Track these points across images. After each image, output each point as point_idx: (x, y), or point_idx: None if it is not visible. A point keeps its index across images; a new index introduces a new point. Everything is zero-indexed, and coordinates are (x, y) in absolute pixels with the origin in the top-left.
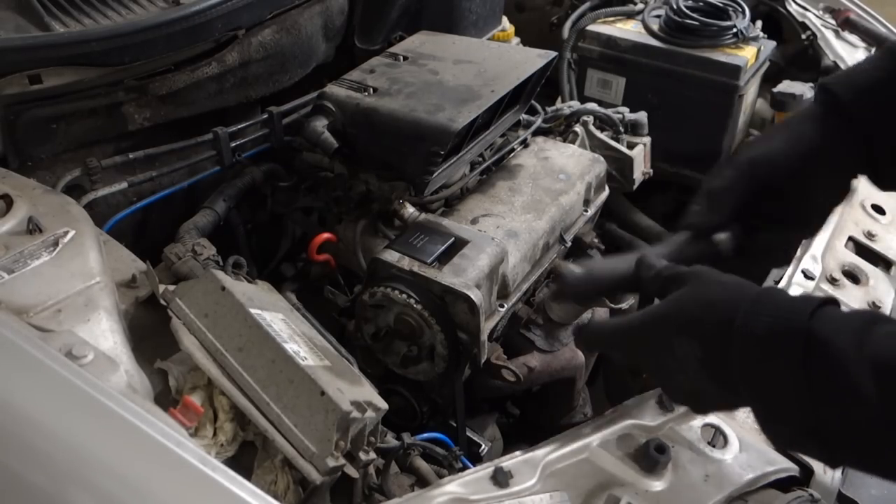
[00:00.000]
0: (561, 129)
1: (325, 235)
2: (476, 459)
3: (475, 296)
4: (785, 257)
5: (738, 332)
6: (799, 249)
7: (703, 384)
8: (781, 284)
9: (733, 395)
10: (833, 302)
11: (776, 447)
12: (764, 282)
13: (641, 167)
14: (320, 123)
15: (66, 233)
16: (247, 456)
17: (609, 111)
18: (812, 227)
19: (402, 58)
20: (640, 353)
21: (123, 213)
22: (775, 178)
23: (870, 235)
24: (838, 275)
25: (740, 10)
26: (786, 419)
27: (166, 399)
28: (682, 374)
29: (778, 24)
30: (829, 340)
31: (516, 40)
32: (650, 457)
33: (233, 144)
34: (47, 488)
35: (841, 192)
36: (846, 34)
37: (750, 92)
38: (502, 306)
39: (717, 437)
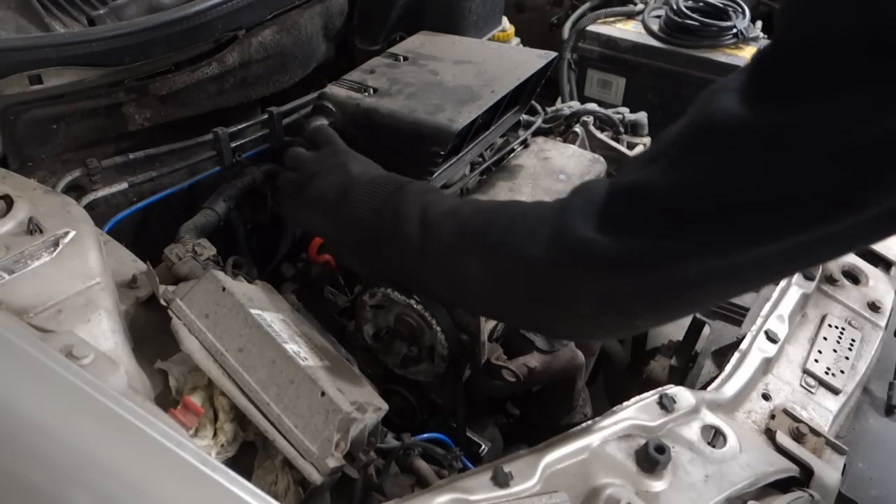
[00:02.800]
0: (561, 129)
1: None
2: (476, 459)
3: None
4: None
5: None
6: None
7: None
8: (782, 285)
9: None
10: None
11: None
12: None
13: None
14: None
15: (66, 233)
16: (247, 456)
17: (609, 111)
18: None
19: (402, 58)
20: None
21: (124, 214)
22: None
23: None
24: (838, 275)
25: (740, 10)
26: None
27: (167, 399)
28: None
29: None
30: (408, 188)
31: (516, 41)
32: (650, 457)
33: (233, 145)
34: (47, 489)
35: None
36: None
37: None
38: None
39: (717, 437)
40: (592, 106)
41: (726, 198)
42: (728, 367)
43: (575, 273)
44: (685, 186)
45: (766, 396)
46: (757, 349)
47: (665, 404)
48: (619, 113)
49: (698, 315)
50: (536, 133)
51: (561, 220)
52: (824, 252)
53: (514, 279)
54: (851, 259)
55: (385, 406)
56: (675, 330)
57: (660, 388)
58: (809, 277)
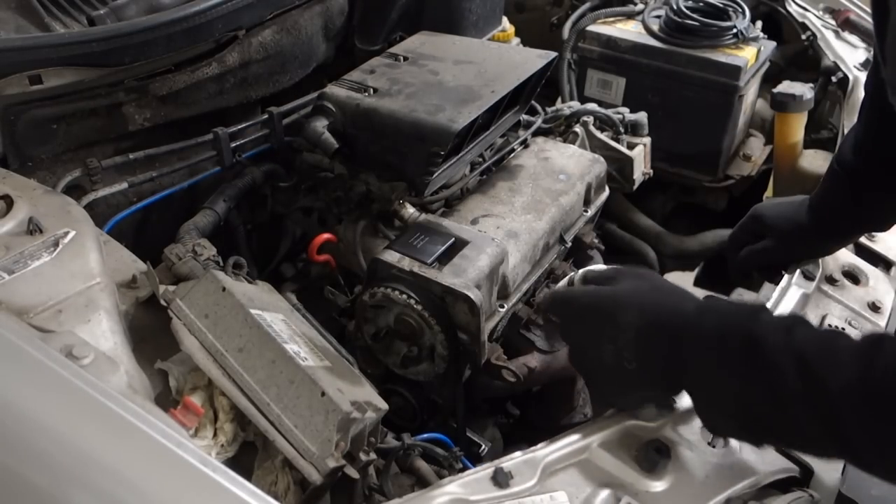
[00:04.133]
0: (561, 129)
1: (325, 236)
2: (476, 460)
3: (475, 296)
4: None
5: (688, 332)
6: None
7: (634, 384)
8: (782, 285)
9: (670, 391)
10: (766, 309)
11: (714, 434)
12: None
13: (641, 167)
14: (320, 124)
15: (66, 233)
16: (247, 456)
17: (609, 111)
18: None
19: (402, 58)
20: (573, 328)
21: (124, 214)
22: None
23: (869, 236)
24: (838, 275)
25: (740, 10)
26: (724, 410)
27: (166, 400)
28: (615, 371)
29: (778, 25)
30: (763, 338)
31: (516, 41)
32: (650, 457)
33: (233, 145)
34: (48, 489)
35: None
36: (846, 34)
37: (750, 92)
38: (502, 307)
39: (717, 438)
40: (592, 106)
41: None
42: None
43: None
44: None
45: None
46: None
47: (665, 404)
48: (619, 113)
49: None
50: (536, 133)
51: None
52: None
53: None
54: (851, 259)
55: (385, 406)
56: None
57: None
58: (809, 277)
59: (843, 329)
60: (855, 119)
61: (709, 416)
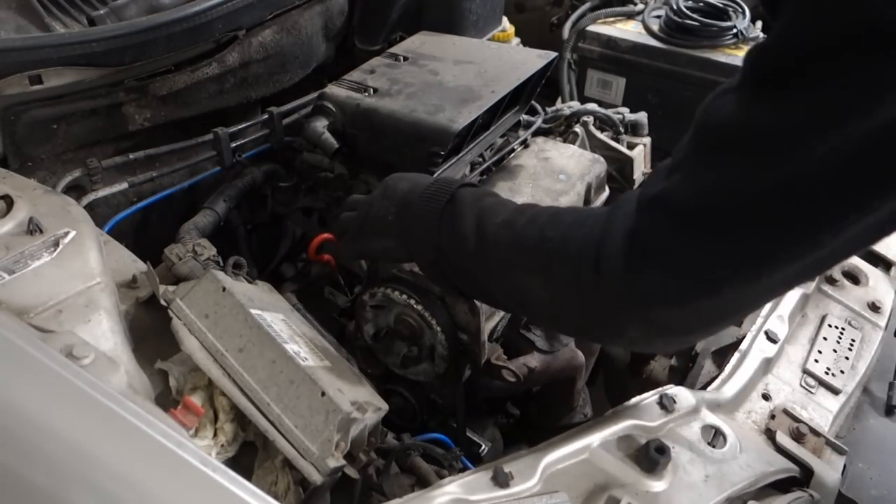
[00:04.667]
0: (561, 129)
1: (325, 236)
2: (476, 460)
3: None
4: None
5: (416, 196)
6: None
7: (386, 236)
8: None
9: (404, 245)
10: (473, 185)
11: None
12: None
13: (641, 167)
14: (320, 124)
15: (66, 233)
16: (247, 456)
17: (609, 111)
18: None
19: (402, 58)
20: (361, 205)
21: (124, 214)
22: None
23: None
24: (838, 275)
25: (740, 10)
26: (427, 254)
27: (167, 400)
28: (381, 218)
29: None
30: (461, 196)
31: (516, 41)
32: (650, 457)
33: (233, 145)
34: (48, 489)
35: None
36: None
37: None
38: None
39: (717, 437)
40: (592, 106)
41: (738, 203)
42: (728, 367)
43: (619, 305)
44: (700, 195)
45: (766, 396)
46: (757, 349)
47: (665, 404)
48: (619, 113)
49: None
50: (536, 133)
51: (604, 245)
52: (838, 253)
53: (569, 299)
54: (851, 259)
55: (385, 406)
56: None
57: (660, 388)
58: None
59: (843, 329)
60: None
61: (418, 264)
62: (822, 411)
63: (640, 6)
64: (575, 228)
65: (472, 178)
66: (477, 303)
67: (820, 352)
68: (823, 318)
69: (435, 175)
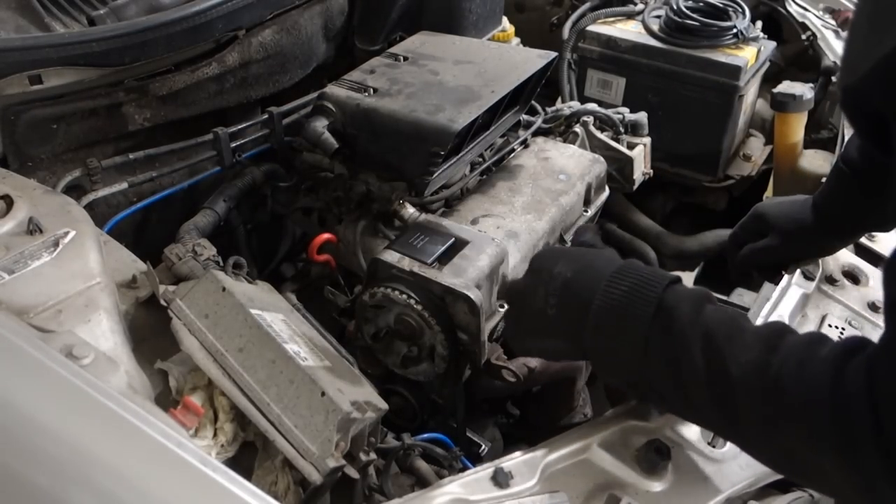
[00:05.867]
0: (561, 129)
1: (326, 236)
2: (476, 460)
3: (475, 296)
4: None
5: (599, 293)
6: None
7: (550, 336)
8: (782, 285)
9: (576, 345)
10: (679, 280)
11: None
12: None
13: (641, 167)
14: (320, 124)
15: (66, 233)
16: (247, 456)
17: (609, 111)
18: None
19: (402, 58)
20: (514, 297)
21: (124, 214)
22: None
23: (869, 236)
24: (838, 275)
25: (740, 10)
26: (620, 373)
27: (167, 399)
28: (538, 313)
29: (778, 25)
30: (674, 308)
31: (516, 40)
32: (650, 457)
33: (233, 145)
34: (48, 488)
35: None
36: (846, 35)
37: (750, 92)
38: (502, 306)
39: (717, 438)
40: (592, 106)
41: None
42: None
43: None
44: None
45: None
46: None
47: None
48: (619, 113)
49: None
50: (536, 133)
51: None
52: None
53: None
54: (851, 259)
55: (385, 406)
56: None
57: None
58: (809, 277)
59: (843, 329)
60: None
61: (604, 375)
62: None
63: (640, 6)
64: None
65: (472, 177)
66: (477, 302)
67: None
68: (823, 318)
69: (435, 175)
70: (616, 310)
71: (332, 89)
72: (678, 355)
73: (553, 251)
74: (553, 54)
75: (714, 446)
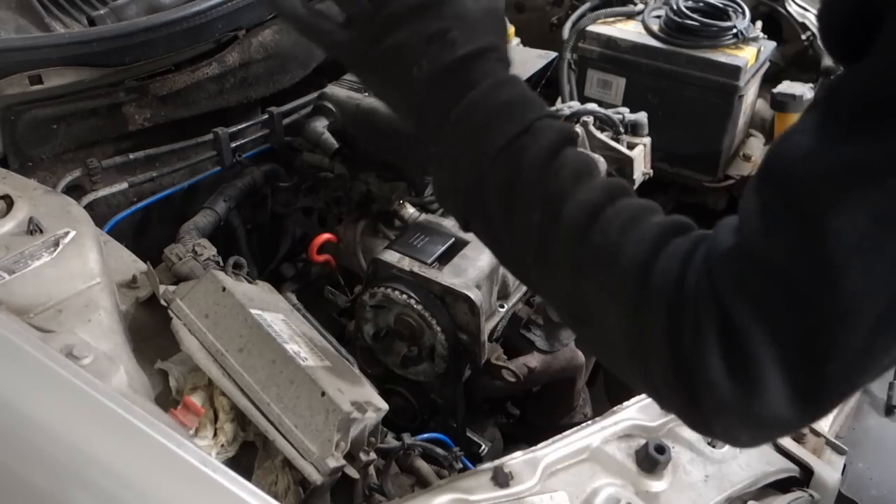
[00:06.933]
0: None
1: (326, 236)
2: (476, 460)
3: (475, 296)
4: None
5: (477, 93)
6: None
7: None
8: None
9: (413, 123)
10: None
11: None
12: None
13: (641, 167)
14: (321, 124)
15: (66, 233)
16: (247, 456)
17: (609, 111)
18: None
19: None
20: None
21: (124, 214)
22: None
23: None
24: None
25: (740, 10)
26: (456, 176)
27: (167, 400)
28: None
29: (778, 25)
30: (539, 132)
31: (516, 41)
32: (650, 457)
33: (233, 145)
34: (48, 489)
35: None
36: None
37: (750, 93)
38: (502, 307)
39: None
40: (592, 106)
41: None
42: None
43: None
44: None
45: None
46: None
47: None
48: (619, 113)
49: None
50: None
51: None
52: None
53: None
54: None
55: (385, 406)
56: None
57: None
58: None
59: None
60: None
61: (435, 173)
62: None
63: (640, 6)
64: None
65: None
66: (477, 302)
67: None
68: None
69: None
70: (484, 112)
71: (332, 89)
72: (521, 176)
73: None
74: (553, 54)
75: (714, 446)
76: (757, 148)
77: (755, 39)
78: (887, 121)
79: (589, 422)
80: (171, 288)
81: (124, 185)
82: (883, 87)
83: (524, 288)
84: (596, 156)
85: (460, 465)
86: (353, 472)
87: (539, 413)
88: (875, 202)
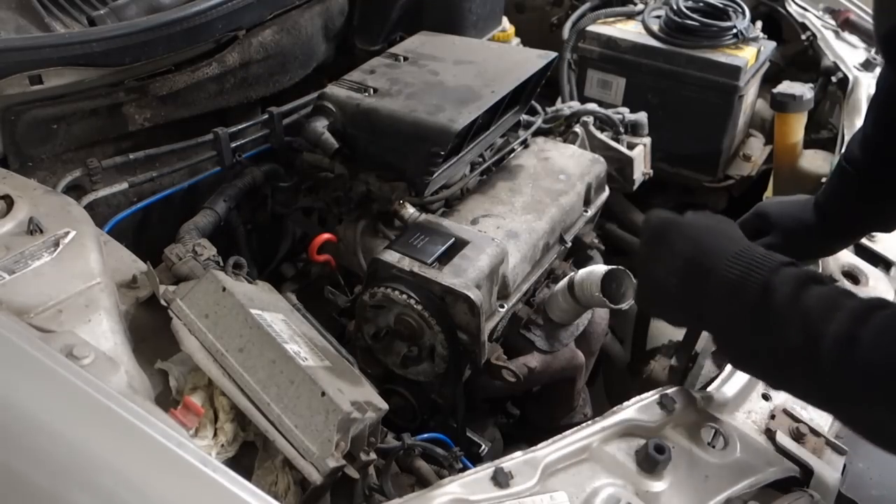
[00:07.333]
0: (561, 129)
1: (326, 236)
2: (476, 460)
3: (475, 296)
4: None
5: (715, 273)
6: None
7: (672, 303)
8: None
9: (694, 320)
10: (792, 263)
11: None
12: None
13: (641, 168)
14: (321, 124)
15: (66, 233)
16: (247, 456)
17: (609, 112)
18: None
19: (402, 58)
20: (645, 245)
21: (124, 214)
22: None
23: (870, 236)
24: (838, 275)
25: (740, 10)
26: (733, 345)
27: (167, 399)
28: (661, 288)
29: (778, 25)
30: (776, 289)
31: (516, 41)
32: (650, 457)
33: (233, 145)
34: (48, 488)
35: None
36: (846, 34)
37: (750, 92)
38: (502, 307)
39: (717, 437)
40: (592, 106)
41: None
42: (728, 367)
43: None
44: None
45: (765, 396)
46: None
47: (665, 404)
48: (619, 113)
49: None
50: (536, 133)
51: None
52: None
53: None
54: (851, 259)
55: (385, 406)
56: (675, 330)
57: (660, 388)
58: None
59: None
60: (854, 119)
61: (721, 349)
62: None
63: (640, 6)
64: None
65: (472, 177)
66: (477, 302)
67: None
68: None
69: (435, 175)
70: (729, 290)
71: (332, 89)
72: (775, 333)
73: (669, 226)
74: (553, 54)
75: (714, 446)
76: (757, 148)
77: (755, 39)
78: None
79: (589, 422)
80: (171, 288)
81: (124, 185)
82: None
83: (524, 288)
84: (596, 156)
85: (460, 465)
86: (353, 472)
87: (539, 413)
88: None
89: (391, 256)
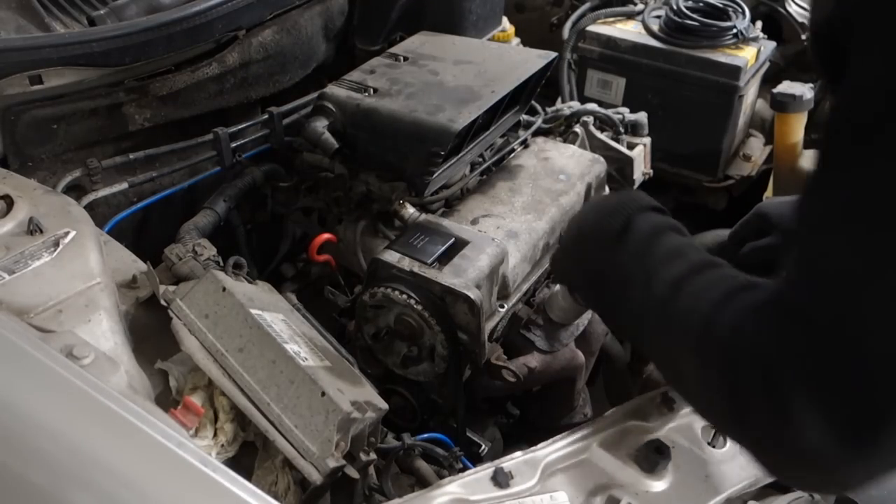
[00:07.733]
0: (561, 129)
1: (326, 236)
2: (476, 460)
3: (475, 296)
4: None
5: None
6: None
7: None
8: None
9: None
10: (663, 211)
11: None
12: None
13: (641, 168)
14: (321, 124)
15: (66, 233)
16: (247, 456)
17: (609, 112)
18: None
19: (402, 58)
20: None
21: (124, 214)
22: None
23: None
24: None
25: (740, 10)
26: (593, 287)
27: (167, 400)
28: (562, 249)
29: (778, 25)
30: (634, 229)
31: (516, 41)
32: (650, 457)
33: (233, 145)
34: (48, 489)
35: None
36: None
37: (750, 92)
38: (502, 307)
39: (717, 438)
40: (592, 106)
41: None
42: None
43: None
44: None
45: None
46: None
47: (665, 404)
48: (619, 113)
49: None
50: (536, 133)
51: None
52: None
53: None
54: None
55: (385, 406)
56: None
57: (660, 388)
58: None
59: None
60: None
61: (585, 298)
62: None
63: (640, 6)
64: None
65: (472, 177)
66: (477, 302)
67: None
68: None
69: (435, 175)
70: (596, 226)
71: (332, 89)
72: (620, 270)
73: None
74: (553, 54)
75: (714, 446)
76: (757, 148)
77: (755, 39)
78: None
79: (589, 422)
80: (171, 288)
81: (124, 185)
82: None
83: (524, 288)
84: (596, 156)
85: (460, 465)
86: (353, 472)
87: (539, 413)
88: None
89: (391, 256)
